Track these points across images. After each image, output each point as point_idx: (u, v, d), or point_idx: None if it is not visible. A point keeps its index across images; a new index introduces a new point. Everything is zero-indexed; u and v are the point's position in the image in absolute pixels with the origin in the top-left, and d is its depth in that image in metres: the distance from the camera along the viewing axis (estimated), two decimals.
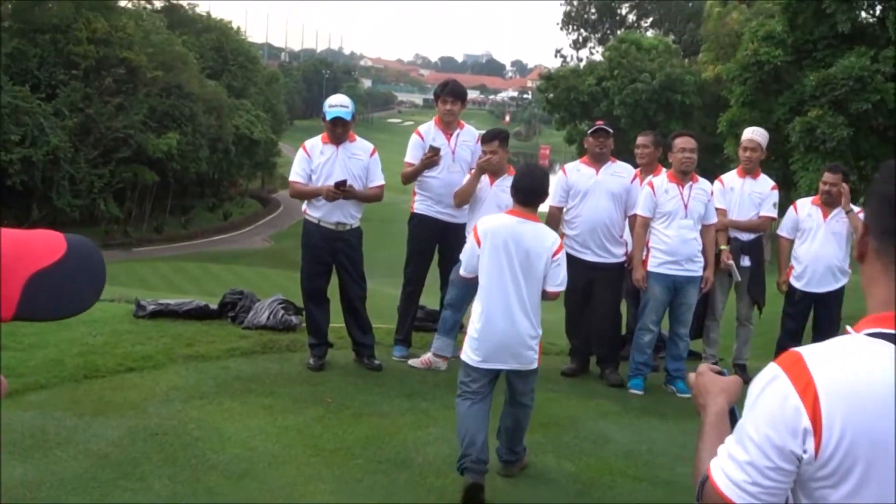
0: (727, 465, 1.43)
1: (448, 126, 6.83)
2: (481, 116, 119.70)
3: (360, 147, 6.51)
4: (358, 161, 6.43)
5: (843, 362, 1.38)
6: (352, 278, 6.52)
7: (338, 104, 6.40)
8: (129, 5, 49.28)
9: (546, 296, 4.80)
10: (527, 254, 4.66)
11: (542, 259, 4.68)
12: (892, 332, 1.37)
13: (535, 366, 4.80)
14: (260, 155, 57.43)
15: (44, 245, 0.66)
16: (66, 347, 6.40)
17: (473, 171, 6.51)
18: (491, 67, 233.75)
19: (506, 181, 6.45)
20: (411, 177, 6.86)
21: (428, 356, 6.70)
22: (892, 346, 1.36)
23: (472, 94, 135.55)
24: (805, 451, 1.36)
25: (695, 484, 1.53)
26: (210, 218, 54.31)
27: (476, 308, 4.78)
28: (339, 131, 6.35)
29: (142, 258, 40.04)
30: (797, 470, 1.38)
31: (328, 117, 6.35)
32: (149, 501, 4.22)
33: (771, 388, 1.40)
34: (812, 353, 1.40)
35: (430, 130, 6.87)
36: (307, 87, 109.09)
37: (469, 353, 4.72)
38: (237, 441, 5.02)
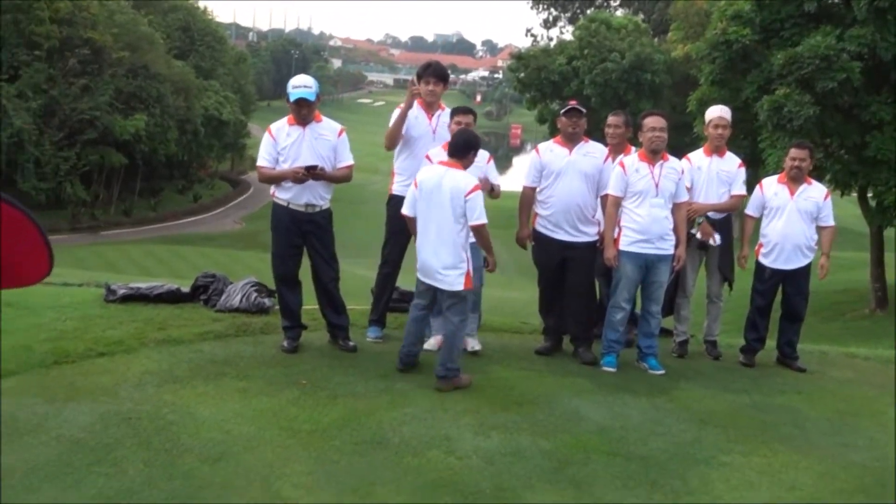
0: None
1: (430, 107, 6.82)
2: (452, 96, 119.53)
3: (328, 127, 6.46)
4: (325, 142, 6.39)
5: None
6: (323, 260, 6.50)
7: (301, 85, 6.34)
8: None
9: (473, 233, 5.94)
10: (448, 195, 5.84)
11: (459, 199, 5.82)
12: None
13: (456, 289, 5.91)
14: (229, 136, 56.96)
15: None
16: (35, 333, 6.33)
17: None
18: (461, 47, 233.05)
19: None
20: (393, 133, 6.79)
21: (439, 337, 6.76)
22: None
23: None
24: None
25: None
26: (180, 200, 53.83)
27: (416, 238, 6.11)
28: (303, 112, 6.31)
29: (110, 242, 39.67)
30: None
31: (291, 98, 6.29)
32: (123, 486, 4.19)
33: None
34: None
35: (412, 110, 6.84)
36: (276, 67, 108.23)
37: (417, 272, 6.09)
38: (212, 424, 5.00)
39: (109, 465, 4.41)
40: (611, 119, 7.41)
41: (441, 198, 5.85)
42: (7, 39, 39.27)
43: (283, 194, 6.37)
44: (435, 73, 6.84)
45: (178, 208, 52.18)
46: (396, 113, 6.79)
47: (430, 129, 6.77)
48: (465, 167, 6.00)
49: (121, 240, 40.70)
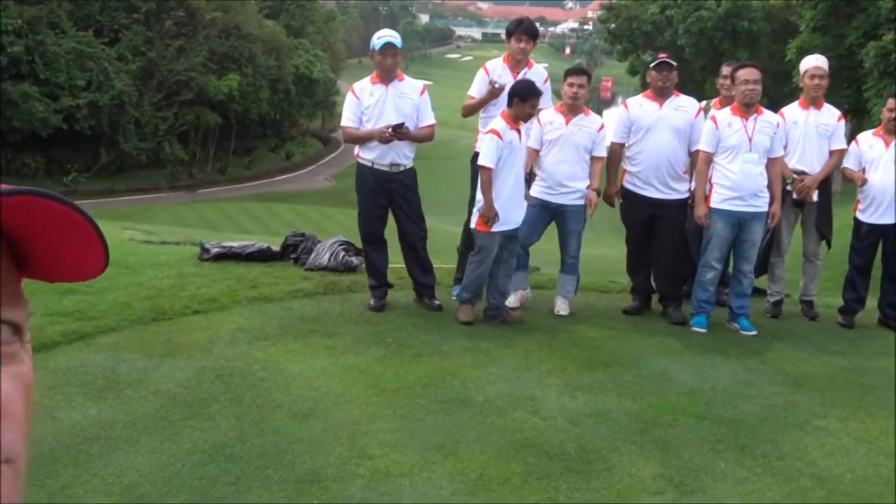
0: None
1: (517, 64, 6.73)
2: (541, 50, 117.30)
3: (410, 86, 6.44)
4: (408, 100, 6.36)
5: None
6: (409, 219, 6.51)
7: (386, 34, 6.35)
8: None
9: None
10: None
11: None
12: None
13: (472, 225, 6.30)
14: (319, 94, 57.45)
15: None
16: (135, 291, 6.55)
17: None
18: None
19: (582, 120, 6.47)
20: (471, 110, 6.78)
21: (522, 293, 6.75)
22: None
23: None
24: None
25: None
26: (273, 158, 54.68)
27: None
28: (389, 62, 6.27)
29: (207, 199, 40.68)
30: None
31: (378, 46, 6.25)
32: (217, 440, 4.34)
33: None
34: None
35: (497, 67, 6.77)
36: (364, 24, 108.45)
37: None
38: (301, 381, 5.11)
39: (204, 420, 4.57)
40: (726, 69, 7.18)
41: None
42: (107, 3, 40.36)
43: (367, 154, 6.39)
44: (527, 31, 6.75)
45: (271, 166, 53.01)
46: (481, 75, 6.72)
47: None
48: (511, 116, 6.10)
49: (217, 197, 41.66)
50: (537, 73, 6.79)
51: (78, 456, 4.13)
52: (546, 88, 6.87)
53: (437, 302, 6.58)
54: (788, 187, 6.85)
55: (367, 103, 6.32)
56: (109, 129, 38.48)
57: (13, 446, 0.56)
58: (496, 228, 6.16)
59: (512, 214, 6.22)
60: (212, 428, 4.49)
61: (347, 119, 6.42)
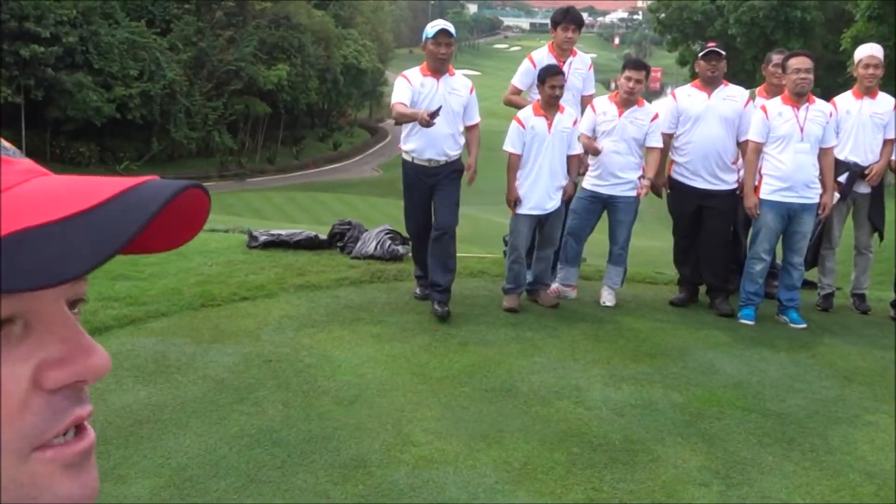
0: None
1: (563, 53, 6.69)
2: (590, 40, 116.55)
3: (460, 82, 6.30)
4: (458, 97, 6.19)
5: None
6: (442, 206, 6.20)
7: (440, 22, 6.19)
8: None
9: None
10: None
11: None
12: None
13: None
14: (367, 84, 57.73)
15: (55, 199, 0.52)
16: (184, 277, 6.66)
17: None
18: None
19: (635, 112, 6.42)
20: (513, 105, 6.78)
21: (556, 286, 6.70)
22: None
23: None
24: None
25: None
26: (320, 148, 55.07)
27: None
28: (443, 51, 6.08)
29: (255, 188, 41.14)
30: None
31: (432, 33, 6.05)
32: (263, 425, 4.40)
33: None
34: None
35: (543, 58, 6.73)
36: (412, 14, 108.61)
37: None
38: (347, 368, 5.16)
39: (251, 405, 4.63)
40: (775, 57, 7.03)
41: None
42: None
43: (407, 146, 6.23)
44: (574, 20, 6.73)
45: (319, 155, 53.38)
46: (526, 66, 6.69)
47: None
48: (539, 102, 6.27)
49: (265, 186, 42.10)
50: (582, 60, 6.78)
51: (128, 437, 4.21)
52: (590, 76, 6.86)
53: (446, 309, 6.07)
54: (840, 178, 6.71)
55: (417, 92, 6.11)
56: (161, 118, 39.08)
57: None
58: (523, 212, 6.26)
59: (538, 199, 6.25)
60: (259, 413, 4.55)
61: (399, 97, 6.04)
